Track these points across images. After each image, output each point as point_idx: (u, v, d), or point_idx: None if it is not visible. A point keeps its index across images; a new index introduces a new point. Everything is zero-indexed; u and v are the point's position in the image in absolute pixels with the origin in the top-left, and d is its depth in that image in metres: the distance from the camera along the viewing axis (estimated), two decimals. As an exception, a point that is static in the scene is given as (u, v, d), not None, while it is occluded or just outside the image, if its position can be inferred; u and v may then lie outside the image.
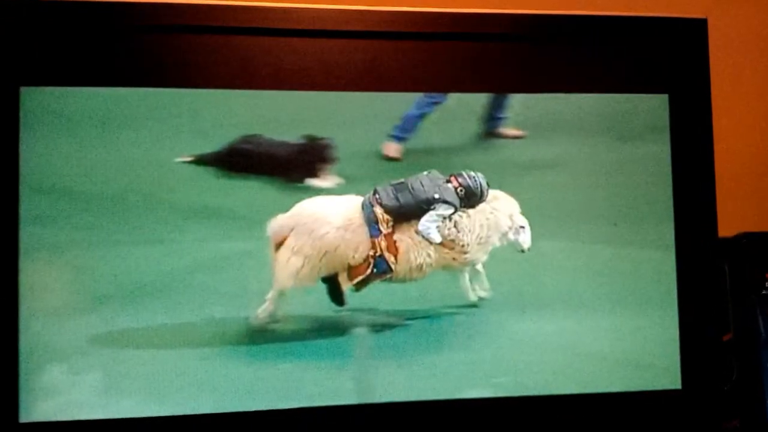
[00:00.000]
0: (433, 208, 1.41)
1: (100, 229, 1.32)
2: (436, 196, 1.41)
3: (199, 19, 1.35)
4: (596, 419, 1.41)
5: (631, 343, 1.43)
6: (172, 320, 1.33)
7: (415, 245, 1.41)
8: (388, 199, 1.39)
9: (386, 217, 1.39)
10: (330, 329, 1.38)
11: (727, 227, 1.46)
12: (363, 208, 1.40)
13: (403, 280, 1.41)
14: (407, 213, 1.40)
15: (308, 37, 1.38)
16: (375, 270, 1.39)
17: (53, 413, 1.28)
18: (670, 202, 1.45)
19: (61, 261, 1.30)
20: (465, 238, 1.43)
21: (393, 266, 1.40)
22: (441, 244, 1.42)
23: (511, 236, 1.45)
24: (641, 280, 1.44)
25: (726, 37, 1.51)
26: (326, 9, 1.39)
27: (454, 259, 1.43)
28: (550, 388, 1.40)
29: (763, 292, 1.44)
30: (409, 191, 1.40)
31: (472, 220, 1.44)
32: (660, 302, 1.44)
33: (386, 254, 1.39)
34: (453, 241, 1.42)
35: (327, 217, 1.39)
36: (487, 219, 1.44)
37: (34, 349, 1.28)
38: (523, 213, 1.45)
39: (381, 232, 1.39)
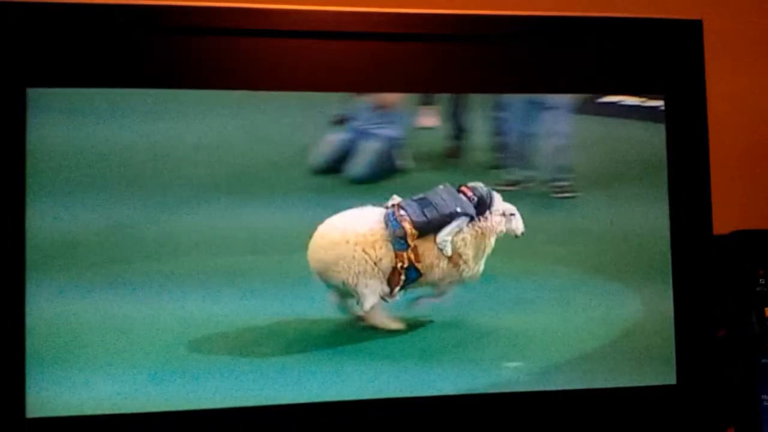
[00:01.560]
0: (454, 221, 1.42)
1: (106, 231, 1.33)
2: (458, 209, 1.42)
3: (202, 21, 1.35)
4: (590, 415, 1.42)
5: (626, 338, 1.44)
6: (180, 320, 1.34)
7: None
8: (416, 216, 1.40)
9: (414, 232, 1.40)
10: (340, 333, 1.39)
11: (722, 225, 1.48)
12: (386, 223, 1.41)
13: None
14: (434, 227, 1.41)
15: (308, 38, 1.38)
16: (407, 279, 1.41)
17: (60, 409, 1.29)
18: (666, 201, 1.46)
19: (68, 261, 1.32)
20: (469, 252, 1.44)
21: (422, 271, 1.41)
22: (449, 257, 1.43)
23: (503, 227, 1.45)
24: (636, 277, 1.45)
25: (721, 38, 1.51)
26: (327, 11, 1.39)
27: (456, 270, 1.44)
28: (542, 384, 1.41)
29: (757, 288, 1.45)
30: (434, 207, 1.41)
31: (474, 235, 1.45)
32: (655, 298, 1.45)
33: (415, 263, 1.41)
34: (460, 255, 1.43)
35: (349, 230, 1.39)
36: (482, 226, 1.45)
37: (41, 345, 1.29)
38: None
39: (409, 246, 1.40)
